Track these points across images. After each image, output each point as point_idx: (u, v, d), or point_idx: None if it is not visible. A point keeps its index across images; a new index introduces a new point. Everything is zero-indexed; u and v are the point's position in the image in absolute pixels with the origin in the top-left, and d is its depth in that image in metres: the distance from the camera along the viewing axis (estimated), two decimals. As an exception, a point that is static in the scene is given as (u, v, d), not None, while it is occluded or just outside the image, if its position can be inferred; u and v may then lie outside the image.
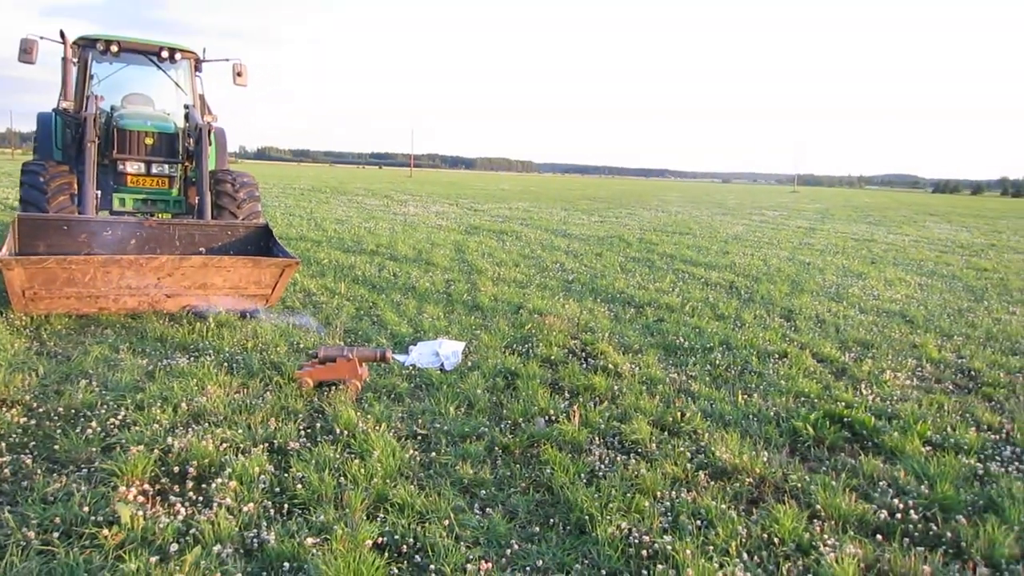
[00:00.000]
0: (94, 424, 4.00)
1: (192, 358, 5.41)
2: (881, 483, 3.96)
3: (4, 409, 4.17)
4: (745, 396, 5.32)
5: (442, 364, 5.67)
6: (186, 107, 9.13)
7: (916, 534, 3.45)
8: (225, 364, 5.28)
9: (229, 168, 9.85)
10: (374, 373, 5.33)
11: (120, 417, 4.13)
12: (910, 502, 3.72)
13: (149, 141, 8.39)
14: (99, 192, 8.04)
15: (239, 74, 10.06)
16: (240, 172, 9.36)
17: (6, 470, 3.47)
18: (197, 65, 10.02)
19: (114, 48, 9.14)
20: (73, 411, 4.25)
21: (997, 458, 4.40)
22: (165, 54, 9.47)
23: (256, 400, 4.59)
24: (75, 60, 9.08)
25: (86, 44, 9.15)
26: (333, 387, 4.90)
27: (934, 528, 3.51)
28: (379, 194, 31.36)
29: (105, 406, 4.32)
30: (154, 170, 8.49)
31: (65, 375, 4.89)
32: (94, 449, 3.74)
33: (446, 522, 3.25)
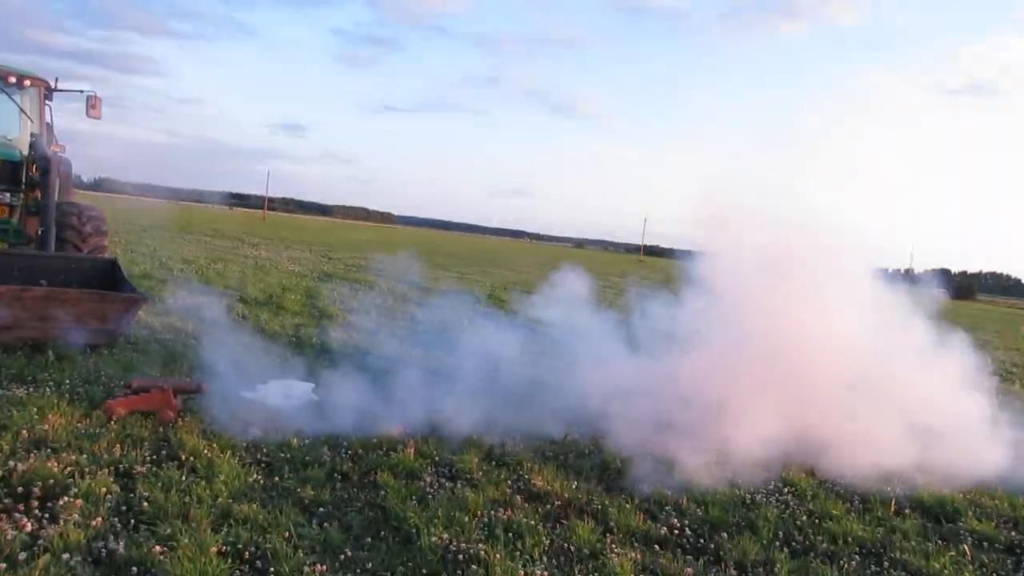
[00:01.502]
0: (-72, 447, 4.01)
1: (31, 388, 5.39)
2: (667, 507, 4.71)
3: None
4: (566, 435, 6.01)
5: (291, 403, 5.96)
6: (33, 135, 8.91)
7: (687, 545, 4.19)
8: (66, 395, 5.31)
9: (76, 201, 9.62)
10: (224, 408, 5.54)
11: (-41, 442, 4.15)
12: (687, 521, 4.48)
13: None
14: None
15: (93, 107, 9.91)
16: (88, 205, 9.20)
17: None
18: (47, 94, 9.81)
19: None
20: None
21: (763, 490, 5.30)
22: (13, 79, 9.23)
23: (100, 429, 4.71)
24: None
25: None
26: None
27: (703, 541, 4.26)
28: (230, 235, 30.55)
29: (-62, 431, 4.30)
30: None
31: None
32: (-71, 469, 3.78)
33: (286, 533, 3.61)
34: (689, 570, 3.80)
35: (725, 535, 4.34)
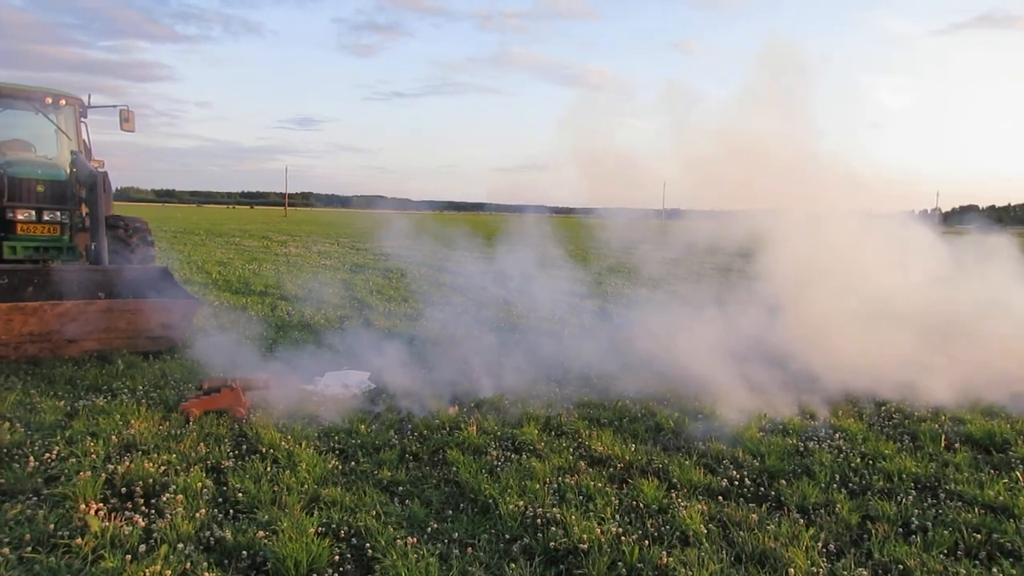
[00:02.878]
0: (31, 460, 4.31)
1: (108, 397, 5.70)
2: (724, 461, 4.91)
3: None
4: (617, 400, 6.22)
5: (351, 392, 6.23)
6: (73, 154, 9.21)
7: (749, 494, 4.38)
8: (143, 401, 5.61)
9: (119, 214, 9.94)
10: (289, 401, 5.82)
11: (54, 452, 4.45)
12: (745, 472, 4.67)
13: (40, 189, 8.45)
14: None
15: (126, 120, 10.20)
16: (132, 217, 9.51)
17: (-42, 501, 3.77)
18: (82, 111, 10.10)
19: (6, 96, 9.14)
20: (4, 450, 4.51)
21: (814, 438, 5.46)
22: (49, 100, 9.53)
23: (181, 430, 5.00)
24: None
25: None
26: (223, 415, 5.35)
27: (763, 490, 4.45)
28: (256, 235, 31.03)
29: (35, 444, 4.60)
30: (45, 217, 8.53)
31: (-17, 419, 5.08)
32: (39, 480, 4.08)
33: (373, 512, 3.86)
34: (754, 516, 3.99)
35: (783, 482, 4.53)
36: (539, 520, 3.82)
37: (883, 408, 6.31)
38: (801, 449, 5.17)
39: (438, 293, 12.90)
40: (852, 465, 4.86)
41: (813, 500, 4.26)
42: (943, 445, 5.32)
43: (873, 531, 3.91)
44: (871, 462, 4.93)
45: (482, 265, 18.64)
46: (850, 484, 4.55)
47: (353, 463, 4.63)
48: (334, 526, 3.68)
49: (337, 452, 4.82)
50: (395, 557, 3.34)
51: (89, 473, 4.03)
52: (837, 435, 5.49)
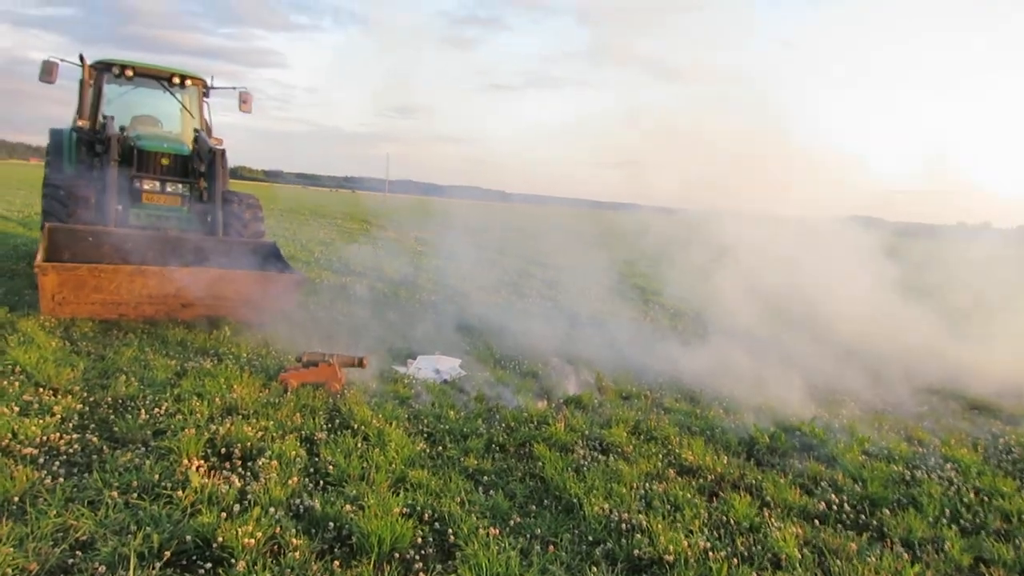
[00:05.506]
0: (142, 412, 4.55)
1: (215, 360, 5.96)
2: (822, 482, 4.66)
3: (60, 396, 4.70)
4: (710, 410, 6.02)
5: (442, 377, 6.29)
6: (196, 131, 9.70)
7: (848, 521, 4.14)
8: (245, 367, 5.83)
9: (234, 190, 10.40)
10: (382, 381, 5.92)
11: (163, 408, 4.68)
12: (845, 497, 4.42)
13: (165, 161, 8.95)
14: (119, 207, 8.56)
15: (244, 102, 10.68)
16: (245, 194, 9.93)
17: (76, 445, 4.01)
18: (205, 91, 10.61)
19: (128, 72, 9.71)
20: (120, 401, 4.78)
21: (922, 466, 5.12)
22: (176, 80, 10.06)
23: (279, 399, 5.16)
24: (91, 82, 9.63)
25: (103, 68, 9.70)
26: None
27: (864, 518, 4.20)
28: (357, 218, 31.91)
29: (147, 399, 4.86)
30: (168, 188, 9.03)
31: (104, 371, 5.41)
32: (148, 432, 4.29)
33: (458, 499, 3.86)
34: (853, 545, 3.77)
35: (887, 511, 4.25)
36: (624, 525, 3.73)
37: (1000, 440, 5.87)
38: (908, 478, 4.86)
39: (539, 287, 12.90)
40: (965, 500, 4.52)
41: (919, 534, 3.99)
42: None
43: (987, 575, 3.62)
44: (986, 499, 4.57)
45: (594, 261, 18.55)
46: (962, 521, 4.23)
47: (440, 448, 4.65)
48: (419, 508, 3.70)
49: (425, 435, 4.86)
50: (477, 547, 3.32)
51: (193, 431, 4.21)
52: (948, 466, 5.13)
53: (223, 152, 9.14)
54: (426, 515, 3.65)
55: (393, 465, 4.20)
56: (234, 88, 10.79)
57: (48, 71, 9.24)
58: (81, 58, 9.45)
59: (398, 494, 3.85)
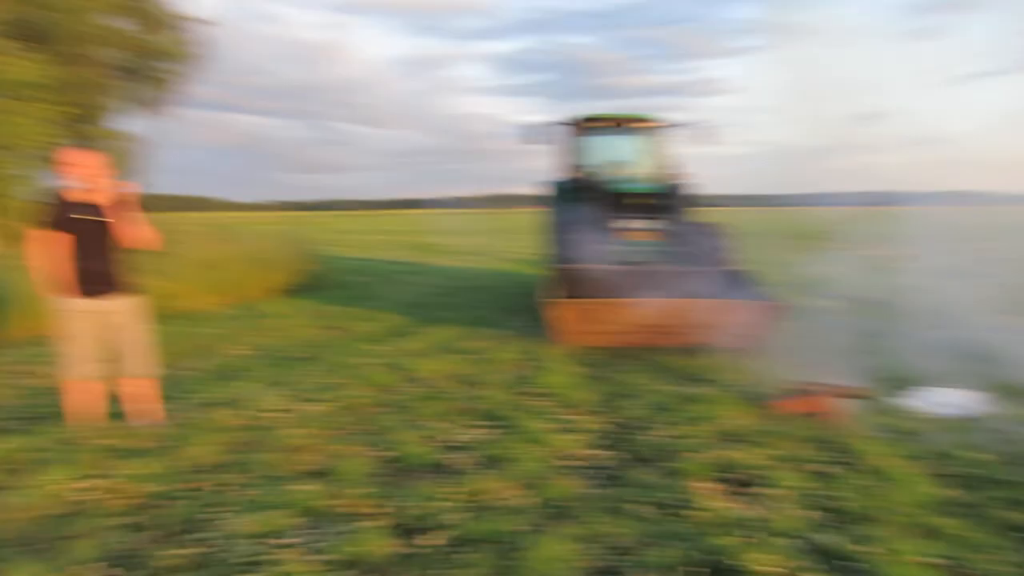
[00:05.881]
0: (655, 432, 5.06)
1: (705, 385, 6.30)
2: None
3: (584, 415, 5.52)
4: None
5: (955, 412, 5.59)
6: (663, 169, 10.51)
7: None
8: (735, 393, 6.02)
9: (704, 220, 10.89)
10: (877, 413, 5.53)
11: (676, 430, 5.12)
12: None
13: (640, 200, 9.93)
14: (607, 245, 9.70)
15: (708, 135, 11.18)
16: (713, 223, 10.31)
17: (606, 461, 4.63)
18: (671, 130, 11.38)
19: (606, 124, 11.04)
20: (634, 421, 5.39)
21: None
22: (641, 124, 11.08)
23: (775, 426, 5.19)
24: (573, 137, 11.15)
25: (582, 123, 11.16)
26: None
27: None
28: (807, 235, 30.19)
29: (654, 421, 5.37)
30: (644, 225, 9.91)
31: (613, 394, 6.14)
32: (661, 451, 4.75)
33: (996, 556, 3.38)
34: None
35: None
36: None
37: None
38: None
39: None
40: None
41: None
42: None
43: None
44: None
45: None
46: None
47: (972, 495, 4.12)
48: (943, 559, 3.35)
49: (953, 479, 4.36)
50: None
51: (698, 453, 4.52)
52: None
53: (688, 185, 9.67)
54: (950, 567, 3.28)
55: (914, 508, 3.88)
56: (696, 124, 11.35)
57: (534, 133, 11.01)
58: (568, 120, 11.04)
59: (916, 540, 3.55)
